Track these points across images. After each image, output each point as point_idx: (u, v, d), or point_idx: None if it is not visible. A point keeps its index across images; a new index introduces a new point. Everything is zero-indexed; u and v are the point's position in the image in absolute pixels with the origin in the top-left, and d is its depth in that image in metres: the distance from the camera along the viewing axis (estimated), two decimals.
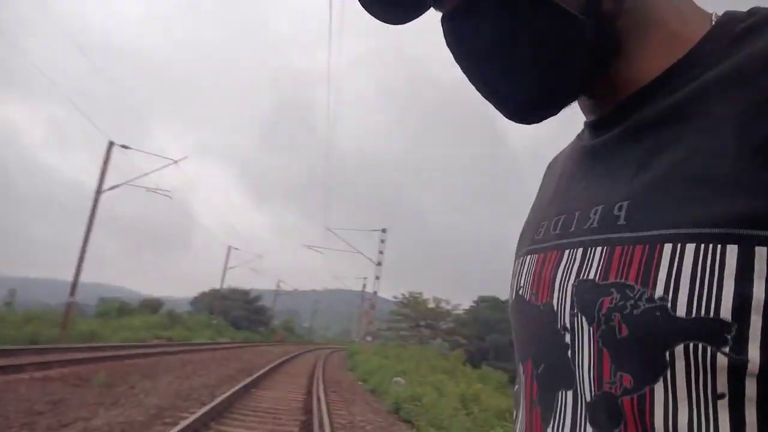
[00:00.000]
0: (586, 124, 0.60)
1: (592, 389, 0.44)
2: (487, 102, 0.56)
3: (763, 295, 0.35)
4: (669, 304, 0.39)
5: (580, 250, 0.49)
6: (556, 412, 0.49)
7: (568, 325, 0.48)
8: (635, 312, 0.40)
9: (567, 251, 0.51)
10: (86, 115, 19.27)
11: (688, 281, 0.38)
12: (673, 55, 0.50)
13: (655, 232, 0.42)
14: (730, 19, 0.49)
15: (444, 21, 0.55)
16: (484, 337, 46.50)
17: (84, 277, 19.10)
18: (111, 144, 19.65)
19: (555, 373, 0.49)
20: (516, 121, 0.56)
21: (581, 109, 0.60)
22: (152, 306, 37.07)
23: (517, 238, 0.69)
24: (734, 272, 0.37)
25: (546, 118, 0.56)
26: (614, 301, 0.42)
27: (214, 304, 46.77)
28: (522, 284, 0.58)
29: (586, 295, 0.46)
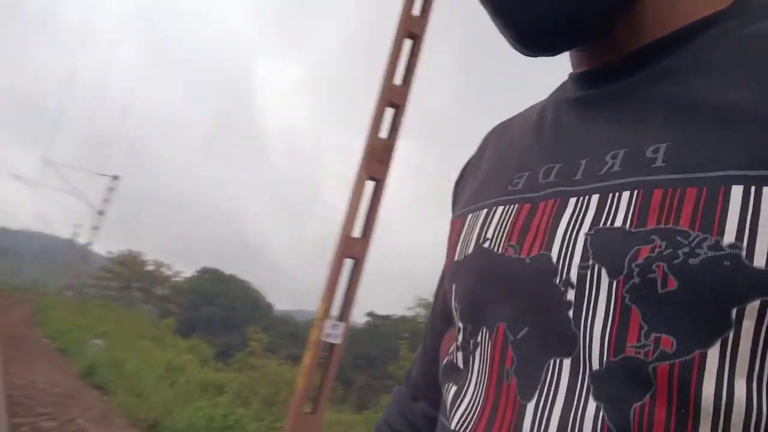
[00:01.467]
0: (579, 74, 0.53)
1: (606, 355, 0.37)
2: (501, 29, 0.49)
3: None
4: (744, 252, 0.33)
5: (596, 197, 0.42)
6: (543, 383, 0.40)
7: (573, 279, 0.40)
8: (691, 261, 0.34)
9: (573, 199, 0.43)
10: None
11: (764, 226, 0.33)
12: (711, 7, 0.45)
13: (714, 174, 0.36)
14: None
15: None
16: (200, 308, 45.36)
17: None
18: None
19: (545, 338, 0.41)
20: (528, 49, 0.48)
21: (575, 59, 0.54)
22: None
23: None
24: None
25: (565, 50, 0.50)
26: (657, 250, 0.36)
27: None
28: (489, 236, 0.49)
29: (612, 244, 0.38)
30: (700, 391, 0.33)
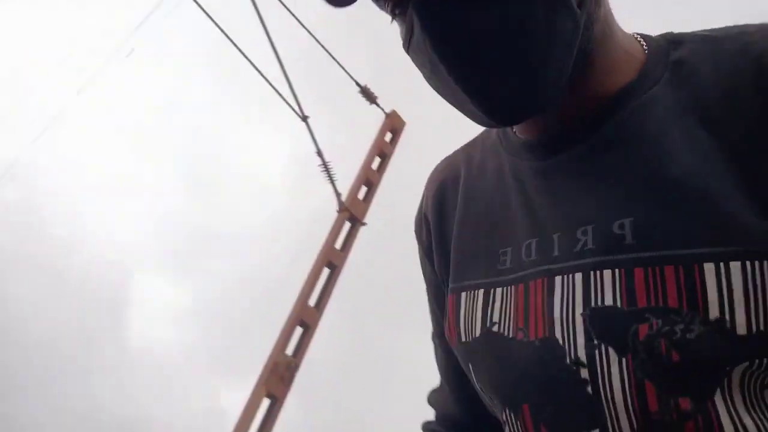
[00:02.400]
0: (532, 142, 0.55)
1: (635, 423, 0.42)
2: (460, 104, 0.48)
3: None
4: (728, 324, 0.39)
5: (579, 276, 0.45)
6: None
7: (583, 358, 0.44)
8: (688, 336, 0.39)
9: (558, 278, 0.47)
10: None
11: (743, 299, 0.38)
12: (628, 72, 0.50)
13: (686, 252, 0.41)
14: (657, 45, 0.52)
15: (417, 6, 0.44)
16: None
17: None
18: None
19: (572, 414, 0.45)
20: (496, 121, 0.48)
21: (522, 126, 0.55)
22: None
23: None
24: None
25: (527, 119, 0.50)
26: (655, 327, 0.40)
27: None
28: (496, 319, 0.52)
29: (611, 323, 0.43)
30: (723, 428, 0.39)
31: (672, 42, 0.51)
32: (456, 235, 0.62)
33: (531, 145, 0.55)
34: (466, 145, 0.70)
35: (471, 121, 0.51)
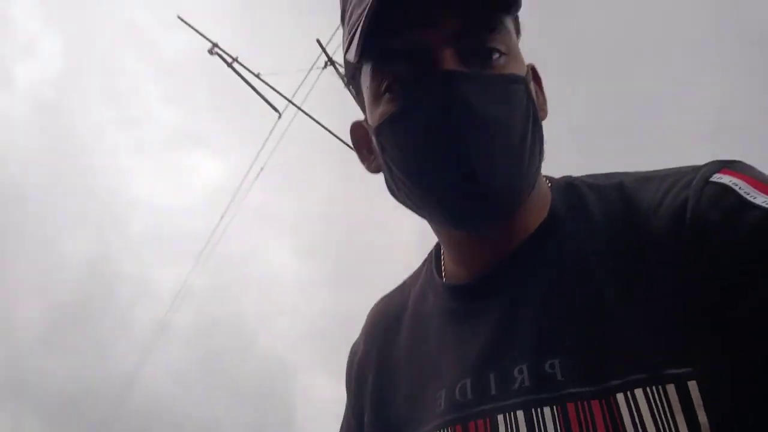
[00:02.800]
0: (459, 287, 0.60)
1: None
2: (438, 197, 0.53)
3: (707, 420, 0.42)
4: None
5: (521, 413, 0.49)
6: None
7: None
8: None
9: (500, 416, 0.50)
10: None
11: (651, 421, 0.43)
12: (543, 208, 0.57)
13: (605, 385, 0.45)
14: (559, 187, 0.59)
15: (443, 80, 0.50)
16: None
17: None
18: None
19: None
20: (475, 217, 0.53)
21: (451, 267, 0.61)
22: None
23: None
24: (680, 407, 0.42)
25: (495, 223, 0.54)
26: None
27: None
28: None
29: None
30: None
31: (569, 185, 0.59)
32: (390, 376, 0.65)
33: (458, 288, 0.59)
34: (398, 286, 0.74)
35: (429, 220, 0.57)
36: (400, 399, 0.62)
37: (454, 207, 0.52)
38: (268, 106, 7.22)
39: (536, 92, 0.58)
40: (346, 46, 0.55)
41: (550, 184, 0.60)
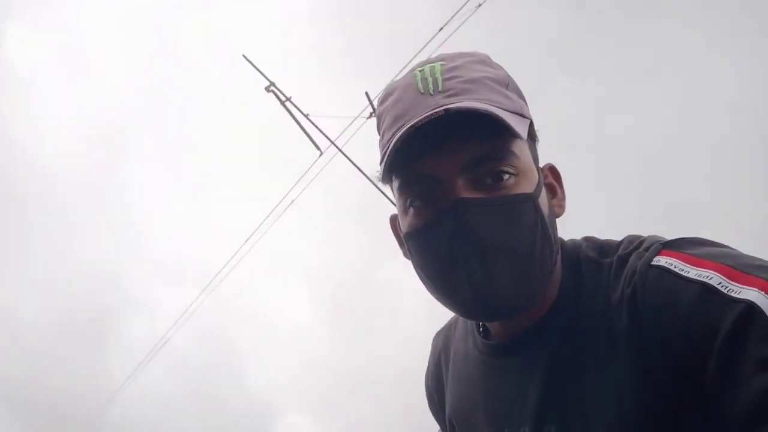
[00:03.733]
0: (490, 344, 0.70)
1: None
2: (453, 301, 0.63)
3: None
4: None
5: None
6: None
7: None
8: None
9: None
10: None
11: None
12: (555, 286, 0.66)
13: None
14: (568, 268, 0.67)
15: (440, 212, 0.60)
16: None
17: None
18: None
19: None
20: (488, 312, 0.63)
21: (493, 327, 0.70)
22: None
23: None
24: None
25: (510, 317, 0.64)
26: None
27: None
28: None
29: None
30: None
31: (575, 264, 0.67)
32: (449, 406, 0.79)
33: (489, 346, 0.70)
34: (450, 321, 0.86)
35: (450, 310, 0.67)
36: (452, 418, 0.78)
37: (467, 313, 0.66)
38: (311, 145, 7.62)
39: (553, 191, 0.69)
40: (380, 160, 0.64)
41: (560, 256, 0.68)
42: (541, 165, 0.68)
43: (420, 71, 0.64)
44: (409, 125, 0.57)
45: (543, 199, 0.63)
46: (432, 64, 0.64)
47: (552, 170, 0.70)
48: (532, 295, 0.62)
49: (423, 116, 0.56)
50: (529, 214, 0.60)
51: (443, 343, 0.83)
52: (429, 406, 0.90)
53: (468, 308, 0.62)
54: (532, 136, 0.66)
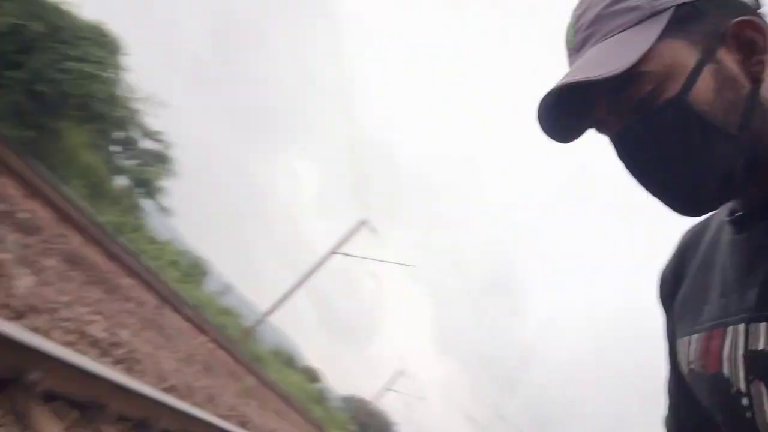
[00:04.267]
0: (729, 220, 0.68)
1: None
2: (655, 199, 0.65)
3: None
4: None
5: (742, 326, 0.57)
6: None
7: (743, 389, 0.56)
8: None
9: (730, 327, 0.59)
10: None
11: None
12: None
13: None
14: None
15: (614, 142, 0.65)
16: None
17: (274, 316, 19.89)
18: (362, 222, 21.36)
19: (735, 430, 0.59)
20: (682, 214, 0.65)
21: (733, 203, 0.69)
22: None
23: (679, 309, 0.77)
24: None
25: (707, 212, 0.66)
26: None
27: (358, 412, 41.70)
28: (692, 359, 0.67)
29: (761, 363, 0.55)
30: None
31: None
32: (682, 292, 0.77)
33: (730, 222, 0.68)
34: (705, 218, 0.81)
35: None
36: (687, 306, 0.74)
37: (684, 216, 0.66)
38: None
39: (749, 50, 0.62)
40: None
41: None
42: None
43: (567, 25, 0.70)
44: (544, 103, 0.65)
45: (703, 85, 0.60)
46: (570, 19, 0.70)
47: (743, 24, 0.61)
48: (724, 185, 0.61)
49: (548, 97, 0.64)
50: (676, 118, 0.60)
51: (691, 236, 0.81)
52: (658, 296, 0.85)
53: (673, 209, 0.65)
54: (682, 19, 0.61)
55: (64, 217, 6.90)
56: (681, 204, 0.63)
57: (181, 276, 18.72)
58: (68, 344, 2.82)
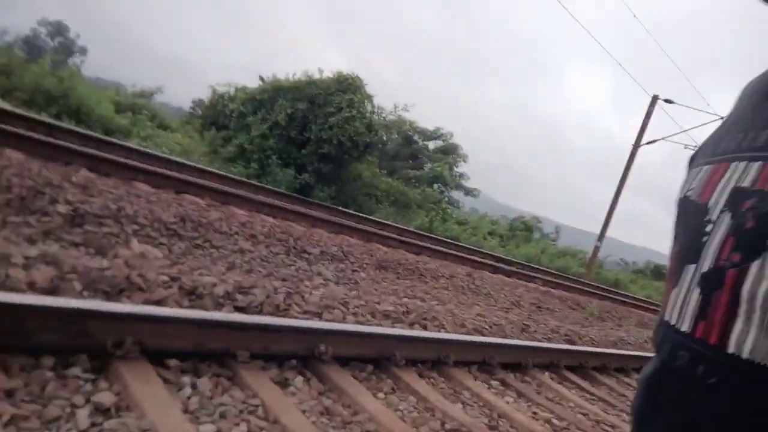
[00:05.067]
0: None
1: (710, 264, 0.58)
2: None
3: None
4: None
5: (743, 164, 0.59)
6: (680, 279, 0.63)
7: (714, 218, 0.59)
8: (762, 211, 0.53)
9: (733, 164, 0.61)
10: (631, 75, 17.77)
11: None
12: None
13: None
14: None
15: None
16: None
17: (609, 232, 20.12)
18: (654, 98, 19.55)
19: (687, 253, 0.63)
20: None
21: None
22: None
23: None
24: None
25: None
26: (753, 202, 0.55)
27: None
28: (692, 187, 0.67)
29: (737, 197, 0.58)
30: (742, 288, 0.53)
31: None
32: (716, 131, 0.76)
33: None
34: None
35: None
36: (714, 139, 0.73)
37: None
38: None
39: None
40: None
41: None
42: None
43: None
44: None
45: None
46: None
47: None
48: None
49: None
50: None
51: (746, 86, 0.77)
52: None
53: None
54: None
55: (368, 237, 8.45)
56: None
57: (501, 241, 19.73)
58: (359, 322, 3.72)
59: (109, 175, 5.97)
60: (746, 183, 0.57)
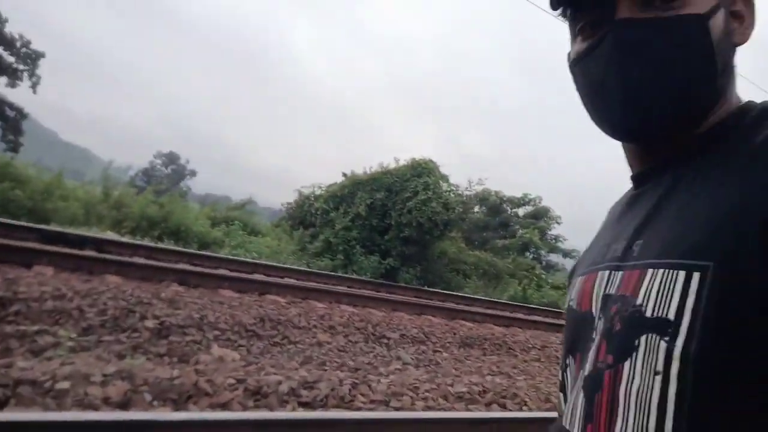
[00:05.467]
0: (632, 176, 0.73)
1: (590, 367, 0.61)
2: (600, 113, 0.66)
3: (692, 304, 0.51)
4: (643, 308, 0.55)
5: (607, 273, 0.65)
6: (572, 384, 0.68)
7: (595, 326, 0.64)
8: (625, 314, 0.57)
9: (599, 273, 0.67)
10: None
11: (656, 294, 0.54)
12: (709, 126, 0.63)
13: (644, 262, 0.58)
14: (736, 113, 0.63)
15: (614, 29, 0.60)
16: None
17: None
18: None
19: (575, 358, 0.68)
20: (627, 130, 0.64)
21: (630, 161, 0.72)
22: None
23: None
24: (680, 289, 0.52)
25: (648, 135, 0.64)
26: (618, 307, 0.59)
27: None
28: (572, 297, 0.74)
29: (606, 304, 0.63)
30: (618, 389, 0.55)
31: (745, 110, 0.63)
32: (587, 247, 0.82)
33: (632, 176, 0.73)
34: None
35: (601, 130, 0.67)
36: (584, 253, 0.81)
37: (614, 128, 0.65)
38: None
39: (739, 18, 0.64)
40: None
41: (731, 92, 0.65)
42: None
43: None
44: None
45: (718, 21, 0.60)
46: None
47: None
48: (678, 116, 0.61)
49: None
50: (695, 35, 0.59)
51: (614, 206, 0.82)
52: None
53: (614, 122, 0.64)
54: None
55: (452, 315, 8.32)
56: (637, 120, 0.61)
57: None
58: (428, 407, 3.64)
59: (197, 287, 6.42)
60: (612, 290, 0.62)
